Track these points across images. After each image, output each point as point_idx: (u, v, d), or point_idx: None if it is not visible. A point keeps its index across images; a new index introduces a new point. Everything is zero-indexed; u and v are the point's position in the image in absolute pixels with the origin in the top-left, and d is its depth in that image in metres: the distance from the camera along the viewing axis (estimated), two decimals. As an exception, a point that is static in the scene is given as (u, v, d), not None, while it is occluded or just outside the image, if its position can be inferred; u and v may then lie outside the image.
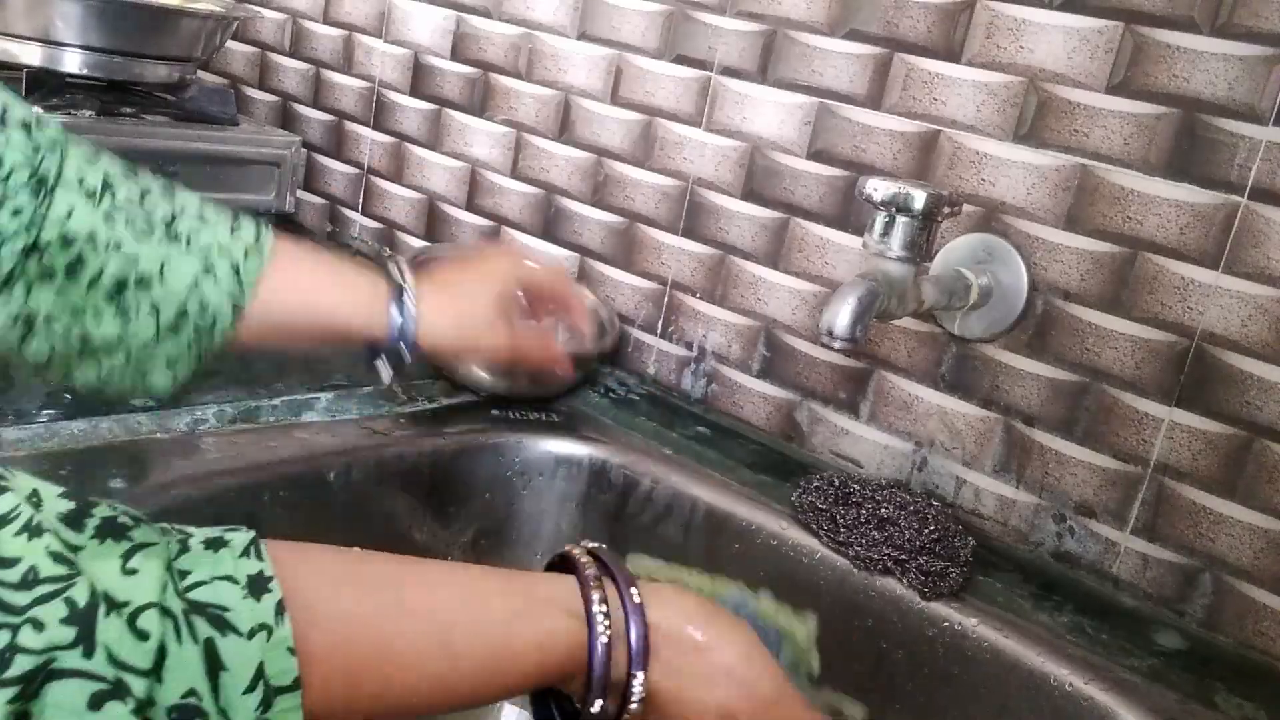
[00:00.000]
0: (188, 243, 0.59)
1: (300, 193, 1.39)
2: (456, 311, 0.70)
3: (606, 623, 0.44)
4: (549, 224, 1.16)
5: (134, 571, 0.33)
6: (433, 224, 1.29)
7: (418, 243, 1.30)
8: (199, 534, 0.37)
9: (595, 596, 0.45)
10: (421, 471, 0.86)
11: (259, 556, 0.36)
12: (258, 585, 0.35)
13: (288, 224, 1.37)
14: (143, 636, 0.31)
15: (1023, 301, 0.83)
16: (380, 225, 1.35)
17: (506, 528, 0.92)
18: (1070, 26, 0.80)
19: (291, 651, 0.35)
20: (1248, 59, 0.74)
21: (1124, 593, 0.81)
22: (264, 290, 0.62)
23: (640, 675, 0.44)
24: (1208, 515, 0.78)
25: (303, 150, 1.33)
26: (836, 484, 0.85)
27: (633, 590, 0.46)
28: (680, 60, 1.03)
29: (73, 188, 0.54)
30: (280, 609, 0.35)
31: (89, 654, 0.30)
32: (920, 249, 0.75)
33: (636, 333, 1.09)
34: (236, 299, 0.60)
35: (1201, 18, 0.75)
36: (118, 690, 0.30)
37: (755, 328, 1.00)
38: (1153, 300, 0.79)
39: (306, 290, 0.65)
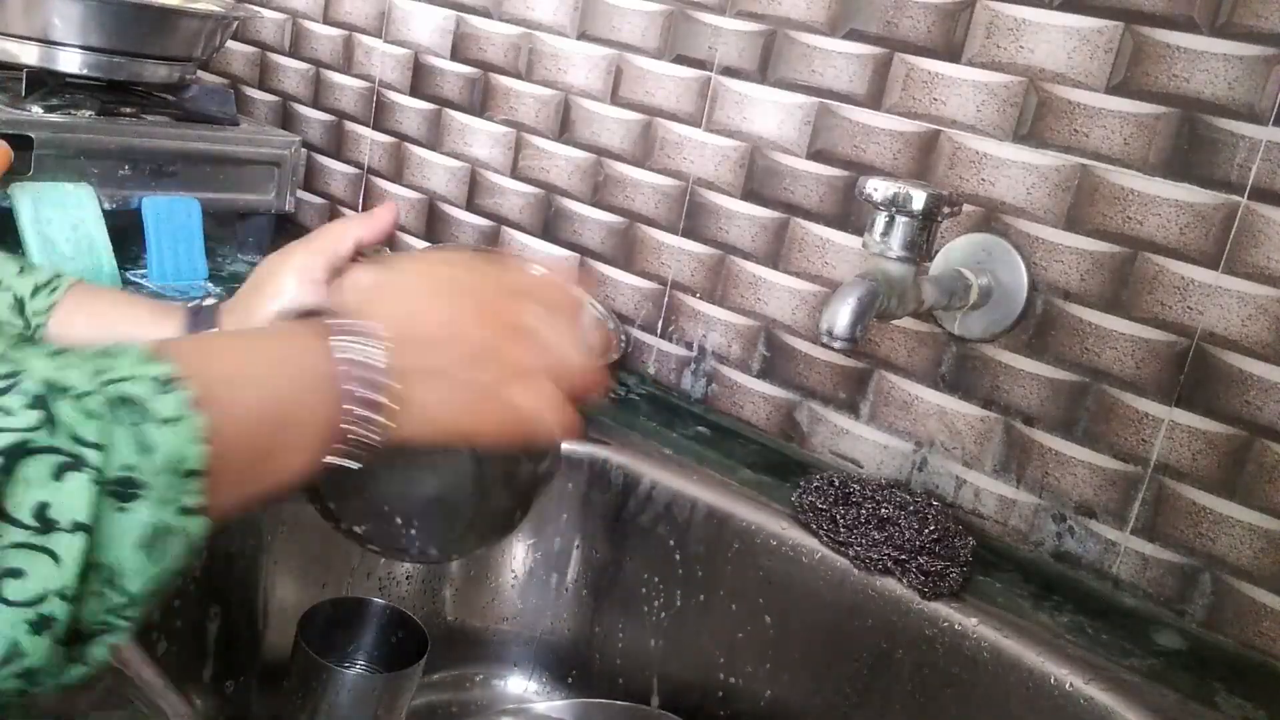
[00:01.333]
0: None
1: (300, 193, 1.39)
2: (260, 310, 0.65)
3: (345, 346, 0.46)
4: (549, 224, 1.16)
5: (64, 366, 0.37)
6: (433, 224, 1.29)
7: (418, 243, 1.30)
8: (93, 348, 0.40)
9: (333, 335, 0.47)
10: (421, 471, 0.86)
11: (159, 360, 0.40)
12: (165, 383, 0.39)
13: (288, 224, 1.37)
14: (92, 416, 0.36)
15: (1023, 301, 0.83)
16: (380, 225, 1.35)
17: (506, 528, 0.92)
18: (1070, 26, 0.80)
19: (200, 441, 0.39)
20: (1248, 59, 0.74)
21: (1124, 593, 0.81)
22: (55, 325, 0.61)
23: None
24: (1208, 515, 0.78)
25: (303, 150, 1.33)
26: (836, 484, 0.85)
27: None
28: (680, 60, 1.03)
29: None
30: (191, 404, 0.39)
31: (53, 433, 0.35)
32: (920, 249, 0.75)
33: (636, 333, 1.09)
34: (29, 331, 0.60)
35: (1201, 18, 0.75)
36: (77, 463, 0.35)
37: (755, 328, 1.00)
38: (1153, 300, 0.79)
39: (101, 317, 0.63)
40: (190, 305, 0.65)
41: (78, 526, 0.35)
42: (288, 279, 0.63)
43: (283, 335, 0.49)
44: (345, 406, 0.45)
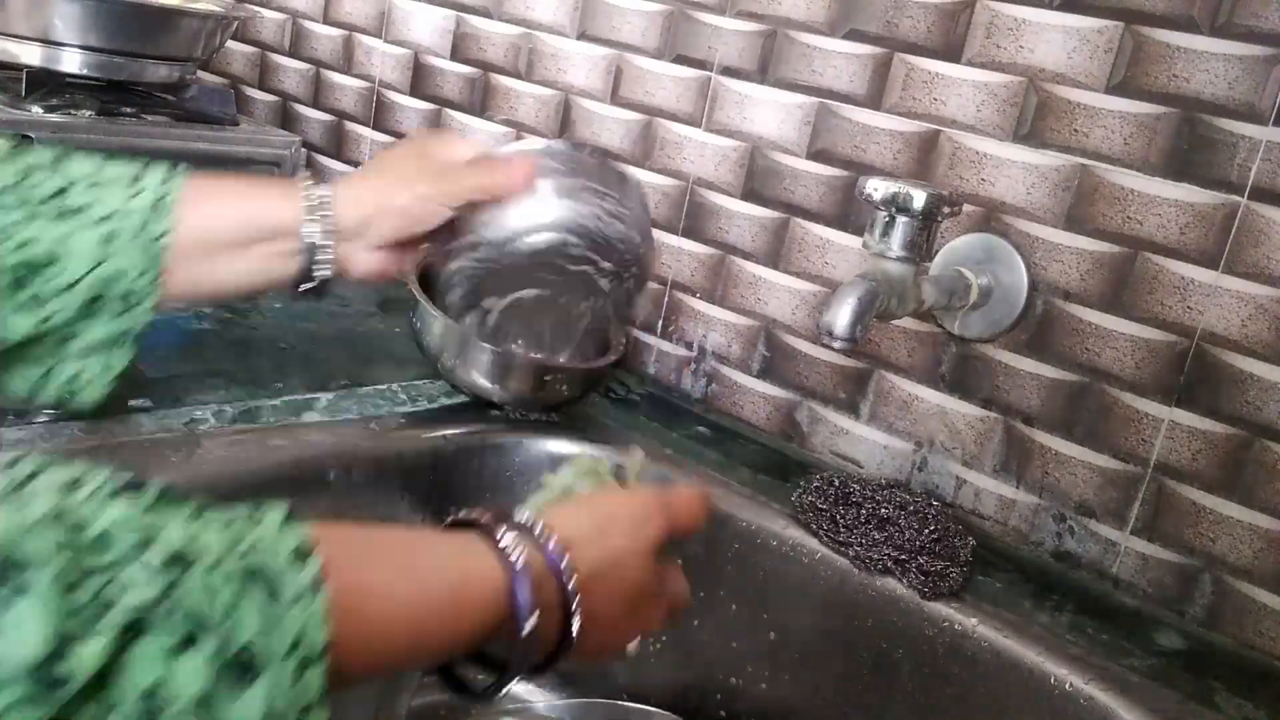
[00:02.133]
0: (83, 215, 0.57)
1: (300, 193, 1.39)
2: (375, 183, 0.67)
3: (519, 548, 0.46)
4: (549, 224, 1.16)
5: (197, 534, 0.35)
6: (433, 224, 1.29)
7: (418, 243, 1.30)
8: (239, 509, 0.39)
9: (500, 534, 0.47)
10: (421, 471, 0.86)
11: (295, 528, 0.38)
12: (300, 555, 0.37)
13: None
14: (214, 593, 0.34)
15: (1023, 301, 0.83)
16: (380, 225, 1.35)
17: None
18: (1070, 26, 0.80)
19: (324, 622, 0.37)
20: (1248, 59, 0.74)
21: (1124, 593, 0.81)
22: (179, 240, 0.60)
23: (574, 593, 0.47)
24: (1208, 515, 0.78)
25: (303, 150, 1.33)
26: (836, 484, 0.85)
27: (536, 525, 0.48)
28: (680, 60, 1.03)
29: None
30: (318, 582, 0.37)
31: (171, 613, 0.33)
32: (920, 249, 0.75)
33: (636, 333, 1.09)
34: (150, 264, 0.58)
35: (1201, 18, 0.75)
36: (189, 642, 0.33)
37: (755, 328, 1.00)
38: (1153, 300, 0.79)
39: (218, 216, 0.62)
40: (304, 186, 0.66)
41: (186, 709, 0.33)
42: (402, 202, 0.65)
43: (448, 538, 0.48)
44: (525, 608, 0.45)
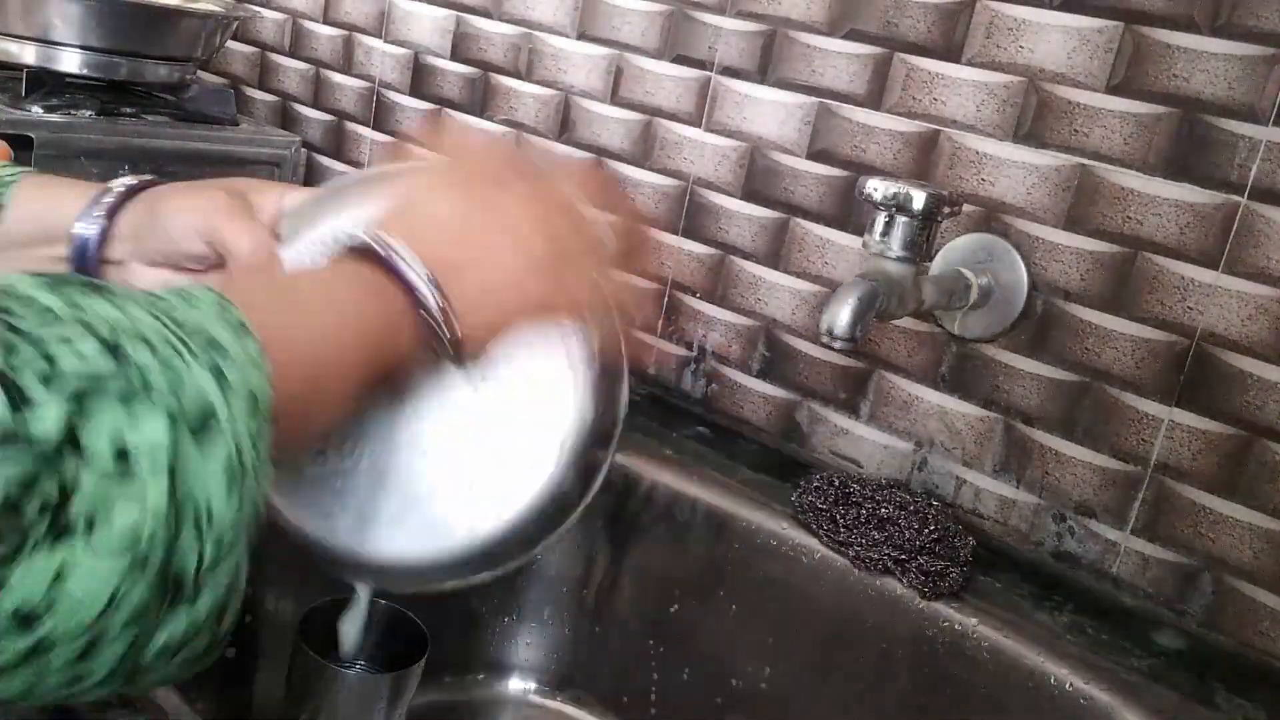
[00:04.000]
0: None
1: (300, 193, 1.39)
2: (168, 194, 0.61)
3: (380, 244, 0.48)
4: (549, 224, 1.16)
5: (130, 313, 0.36)
6: (433, 224, 1.29)
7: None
8: (162, 291, 0.40)
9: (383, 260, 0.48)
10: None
11: (230, 306, 0.40)
12: (239, 330, 0.39)
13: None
14: (163, 359, 0.35)
15: (1023, 301, 0.83)
16: (380, 225, 1.35)
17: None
18: (1070, 26, 0.80)
19: (271, 384, 0.39)
20: (1248, 59, 0.74)
21: (1124, 593, 0.81)
22: (11, 214, 0.58)
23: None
24: (1208, 515, 0.78)
25: (303, 150, 1.33)
26: (836, 484, 0.85)
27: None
28: (680, 60, 1.03)
29: None
30: (262, 351, 0.39)
31: (126, 369, 0.34)
32: (920, 249, 0.75)
33: (637, 333, 1.08)
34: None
35: (1201, 18, 0.75)
36: (149, 395, 0.34)
37: (755, 328, 1.00)
38: (1153, 300, 0.79)
39: (44, 202, 0.59)
40: (105, 190, 0.60)
41: (160, 461, 0.34)
42: (187, 218, 0.59)
43: (332, 270, 0.49)
44: (397, 309, 0.47)
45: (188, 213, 0.59)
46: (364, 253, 0.48)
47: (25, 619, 0.31)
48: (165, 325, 0.36)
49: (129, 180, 0.60)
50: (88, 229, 0.58)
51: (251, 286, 0.45)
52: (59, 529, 0.31)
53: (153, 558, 0.33)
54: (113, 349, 0.34)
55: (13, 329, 0.32)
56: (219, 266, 0.59)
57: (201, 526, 0.35)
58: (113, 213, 0.59)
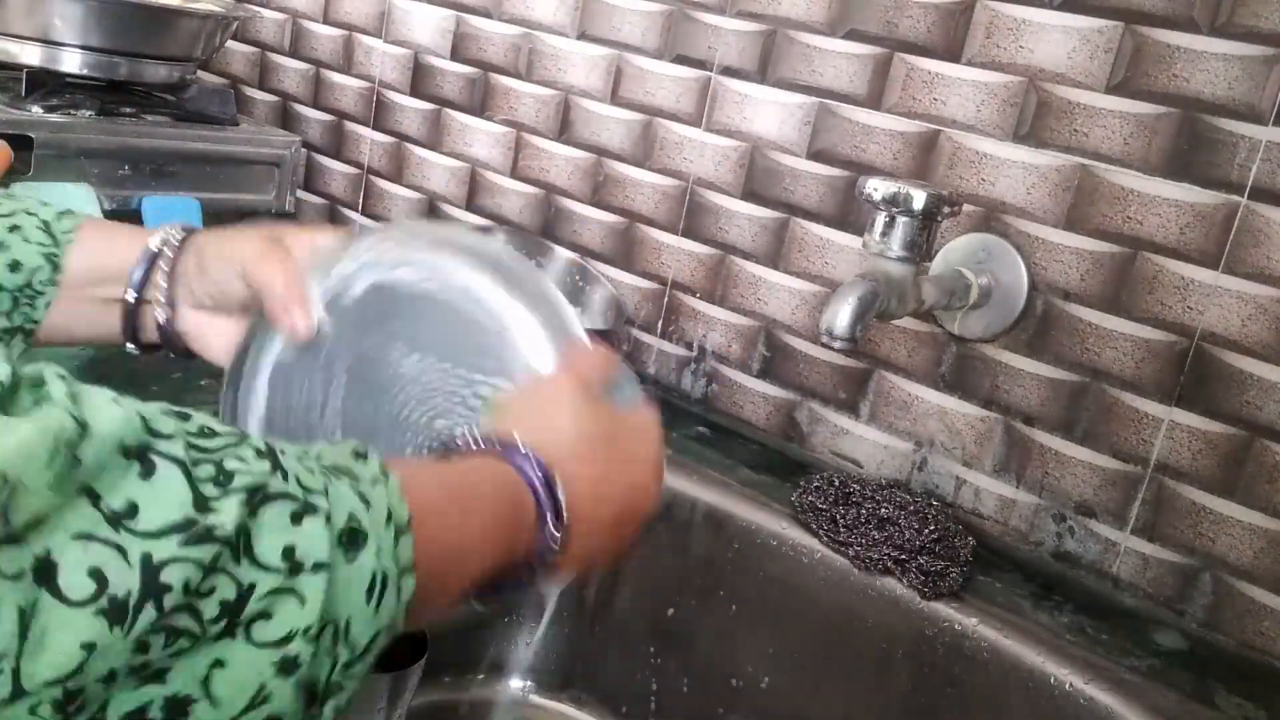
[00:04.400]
0: None
1: (300, 193, 1.39)
2: (212, 254, 0.61)
3: (529, 455, 0.49)
4: (549, 224, 1.16)
5: (282, 451, 0.38)
6: (433, 224, 1.29)
7: (418, 243, 1.30)
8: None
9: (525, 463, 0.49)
10: (421, 471, 0.86)
11: (369, 458, 0.42)
12: (359, 454, 0.41)
13: (288, 224, 1.37)
14: (312, 472, 0.37)
15: (1023, 301, 0.83)
16: (381, 225, 1.35)
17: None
18: (1070, 26, 0.80)
19: (403, 497, 0.40)
20: (1248, 59, 0.74)
21: (1124, 593, 0.81)
22: (74, 255, 0.59)
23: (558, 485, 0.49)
24: (1208, 515, 0.78)
25: (303, 150, 1.33)
26: (836, 484, 0.85)
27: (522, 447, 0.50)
28: (680, 60, 1.03)
29: None
30: (384, 471, 0.41)
31: (285, 479, 0.36)
32: (920, 249, 0.75)
33: (636, 333, 1.09)
34: (51, 253, 0.58)
35: (1201, 18, 0.75)
36: (310, 508, 0.36)
37: (755, 328, 1.00)
38: (1153, 300, 0.79)
39: (94, 247, 0.61)
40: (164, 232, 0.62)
41: (319, 567, 0.35)
42: (227, 262, 0.60)
43: (467, 459, 0.51)
44: (523, 506, 0.48)
45: (227, 258, 0.61)
46: (514, 461, 0.49)
47: (175, 706, 0.33)
48: (304, 453, 0.39)
49: (177, 229, 0.62)
50: (138, 275, 0.61)
51: (400, 464, 0.45)
52: (230, 627, 0.33)
53: (300, 661, 0.35)
54: (272, 458, 0.36)
55: (187, 444, 0.34)
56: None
57: (339, 635, 0.37)
58: (166, 259, 0.61)
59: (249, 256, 0.60)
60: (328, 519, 0.36)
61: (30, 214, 0.59)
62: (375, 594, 0.38)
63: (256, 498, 0.34)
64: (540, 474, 0.49)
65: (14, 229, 0.58)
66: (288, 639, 0.34)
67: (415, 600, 0.40)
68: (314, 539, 0.35)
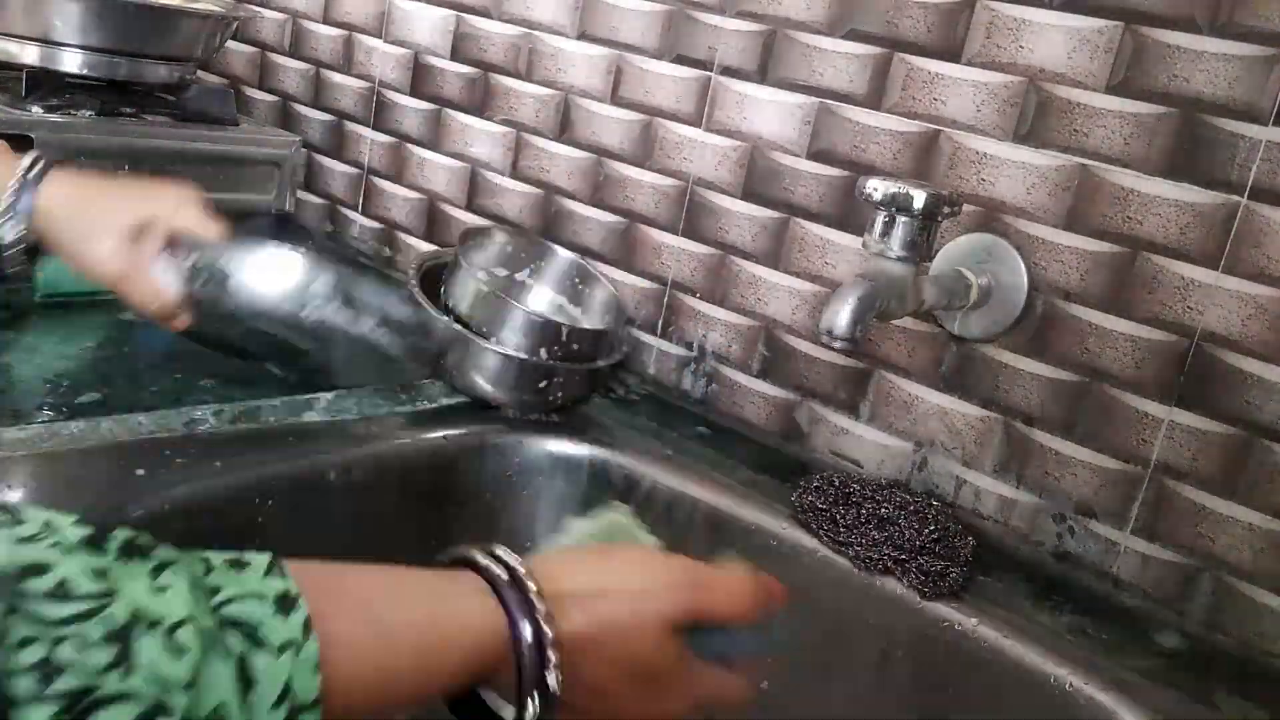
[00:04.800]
0: None
1: (300, 193, 1.39)
2: (85, 207, 0.66)
3: (526, 605, 0.45)
4: (549, 224, 1.16)
5: (164, 588, 0.33)
6: (433, 224, 1.29)
7: (418, 243, 1.30)
8: (218, 555, 0.38)
9: (511, 596, 0.45)
10: (421, 471, 0.86)
11: (283, 575, 0.37)
12: (285, 603, 0.36)
13: (288, 224, 1.37)
14: (179, 652, 0.32)
15: (1023, 301, 0.83)
16: (380, 225, 1.35)
17: (506, 528, 0.92)
18: (1070, 26, 0.80)
19: (316, 670, 0.36)
20: (1248, 59, 0.74)
21: (1124, 593, 0.81)
22: None
23: (553, 673, 0.44)
24: (1208, 515, 0.78)
25: (303, 150, 1.33)
26: (836, 484, 0.85)
27: (534, 596, 0.46)
28: (680, 60, 1.03)
29: None
30: (308, 627, 0.36)
31: (128, 674, 0.31)
32: (920, 249, 0.75)
33: (636, 333, 1.09)
34: None
35: (1201, 18, 0.75)
36: (159, 709, 0.31)
37: (755, 328, 1.00)
38: (1153, 300, 0.79)
39: None
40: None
41: None
42: (101, 220, 0.67)
43: (441, 578, 0.46)
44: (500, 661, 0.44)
45: (86, 262, 0.69)
46: (493, 583, 0.45)
47: None
48: (197, 607, 0.34)
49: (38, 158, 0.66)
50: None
51: (332, 572, 0.42)
52: None
53: None
54: (121, 640, 0.31)
55: (21, 610, 0.30)
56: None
57: None
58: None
59: (110, 275, 0.66)
60: (183, 715, 0.31)
61: None
62: None
63: (79, 707, 0.30)
64: (536, 655, 0.44)
65: None
66: None
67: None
68: None
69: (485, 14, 1.20)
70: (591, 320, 1.05)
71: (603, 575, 0.49)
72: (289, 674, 0.35)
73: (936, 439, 0.90)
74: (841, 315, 0.70)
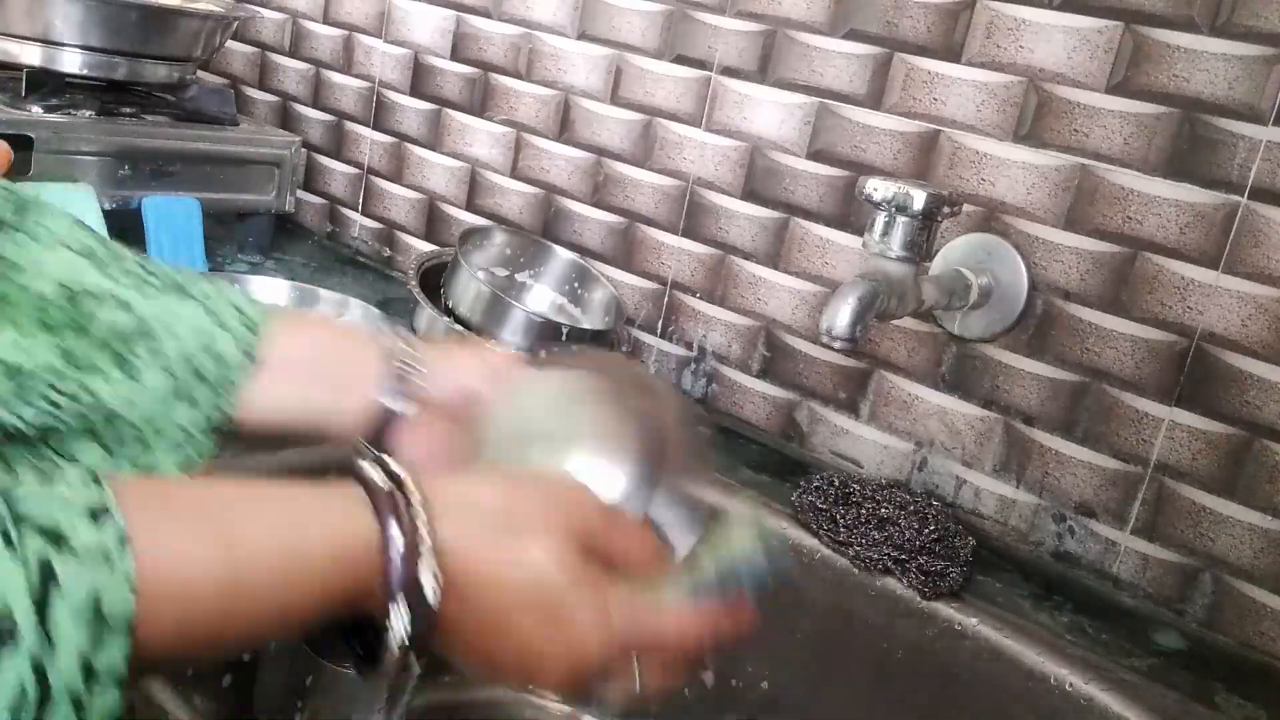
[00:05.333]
0: (189, 292, 0.53)
1: (300, 193, 1.39)
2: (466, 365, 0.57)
3: (398, 523, 0.39)
4: (549, 224, 1.16)
5: None
6: (433, 224, 1.29)
7: (418, 243, 1.30)
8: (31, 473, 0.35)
9: (385, 502, 0.40)
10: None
11: (99, 485, 0.34)
12: (97, 514, 0.32)
13: (288, 224, 1.37)
14: None
15: (1023, 301, 0.83)
16: (380, 225, 1.35)
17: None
18: (1070, 26, 0.80)
19: (132, 588, 0.32)
20: (1248, 59, 0.74)
21: (1124, 593, 0.81)
22: (269, 347, 0.54)
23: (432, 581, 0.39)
24: (1208, 515, 0.78)
25: (303, 150, 1.33)
26: (836, 484, 0.85)
27: (417, 509, 0.40)
28: (680, 60, 1.03)
29: (60, 246, 0.50)
30: (123, 540, 0.32)
31: None
32: (920, 249, 0.75)
33: (637, 333, 1.09)
34: (249, 346, 0.53)
35: (1201, 18, 0.75)
36: None
37: (755, 328, 1.00)
38: (1153, 300, 0.79)
39: (312, 349, 0.56)
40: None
41: None
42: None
43: (310, 492, 0.41)
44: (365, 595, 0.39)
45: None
46: (372, 491, 0.40)
47: None
48: (14, 504, 0.31)
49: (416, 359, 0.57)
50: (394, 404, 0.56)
51: (174, 486, 0.39)
52: None
53: None
54: None
55: None
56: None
57: None
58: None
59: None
60: None
61: (227, 299, 0.54)
62: (27, 712, 0.29)
63: None
64: (406, 554, 0.39)
65: (215, 317, 0.52)
66: None
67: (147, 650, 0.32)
68: None
69: (485, 14, 1.20)
70: (591, 320, 1.05)
71: (507, 495, 0.44)
72: (98, 588, 0.31)
73: (936, 439, 0.90)
74: (841, 315, 0.70)
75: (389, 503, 0.39)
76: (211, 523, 0.37)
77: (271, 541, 0.38)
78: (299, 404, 0.56)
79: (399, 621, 0.39)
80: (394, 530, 0.39)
